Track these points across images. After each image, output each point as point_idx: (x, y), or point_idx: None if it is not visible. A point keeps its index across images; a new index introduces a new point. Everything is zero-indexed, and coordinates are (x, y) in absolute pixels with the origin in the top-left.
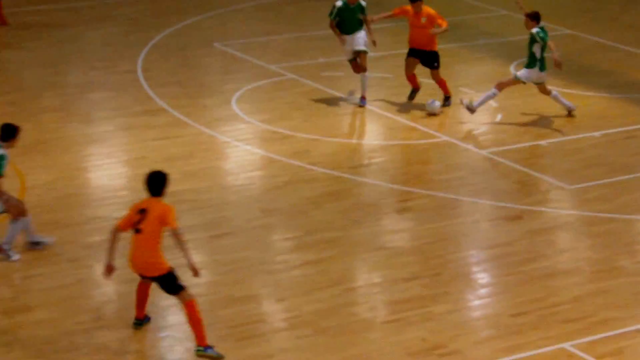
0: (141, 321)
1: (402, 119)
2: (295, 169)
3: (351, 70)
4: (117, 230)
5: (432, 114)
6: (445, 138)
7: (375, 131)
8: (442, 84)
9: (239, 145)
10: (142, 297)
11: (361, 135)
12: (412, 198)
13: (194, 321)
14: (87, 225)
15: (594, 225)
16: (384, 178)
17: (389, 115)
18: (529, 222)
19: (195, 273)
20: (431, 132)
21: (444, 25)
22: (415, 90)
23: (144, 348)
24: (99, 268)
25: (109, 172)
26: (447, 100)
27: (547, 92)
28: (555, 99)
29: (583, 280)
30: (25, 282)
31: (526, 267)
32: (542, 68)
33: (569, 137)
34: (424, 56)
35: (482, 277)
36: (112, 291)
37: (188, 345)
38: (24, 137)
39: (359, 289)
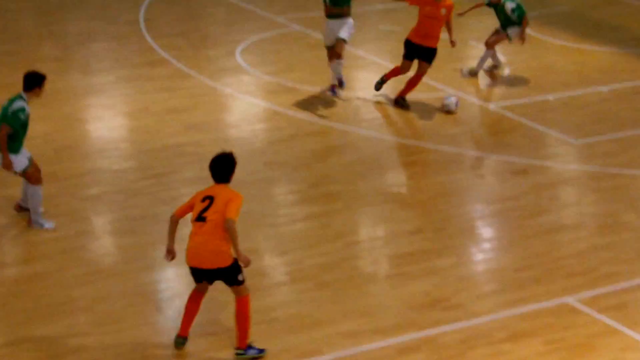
0: (185, 339)
1: (409, 73)
2: (300, 122)
3: (360, 19)
4: (175, 217)
5: (449, 112)
6: (451, 92)
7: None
8: (412, 83)
9: (243, 97)
10: (193, 309)
11: (367, 89)
12: (417, 152)
13: (244, 318)
14: (86, 178)
15: (600, 180)
16: (389, 132)
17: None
18: (534, 176)
19: (247, 263)
20: (437, 85)
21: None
22: (384, 81)
23: (144, 300)
24: (97, 220)
25: (109, 124)
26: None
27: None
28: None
29: (588, 235)
30: (22, 235)
31: (531, 221)
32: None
33: (576, 92)
34: (424, 52)
35: (486, 231)
36: (110, 244)
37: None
38: (21, 88)
39: (362, 243)
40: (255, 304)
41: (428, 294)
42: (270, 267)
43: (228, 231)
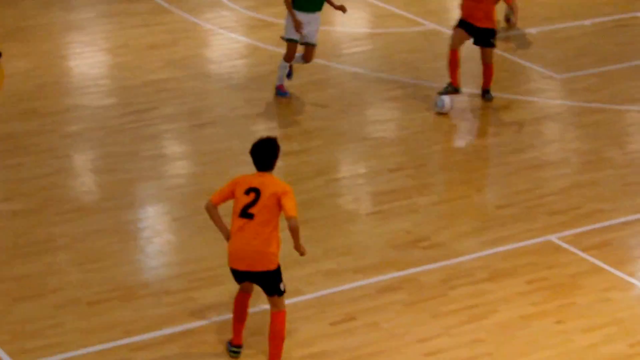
0: (240, 347)
1: (389, 6)
2: (279, 57)
3: None
4: (212, 205)
5: (441, 113)
6: (432, 26)
7: (362, 19)
8: (488, 72)
9: (223, 32)
10: (241, 314)
11: (347, 23)
12: (398, 87)
13: (279, 337)
14: (67, 114)
15: (583, 115)
16: (369, 67)
17: (376, 2)
18: (516, 112)
19: (303, 252)
20: (418, 19)
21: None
22: (452, 88)
23: (125, 238)
24: (78, 158)
25: (89, 60)
26: (486, 94)
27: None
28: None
29: (570, 172)
30: (2, 172)
31: (513, 157)
32: None
33: (559, 25)
34: (478, 34)
35: (468, 168)
36: (91, 181)
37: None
38: (3, 24)
39: (343, 180)
40: None
41: (409, 232)
42: None
43: (292, 231)
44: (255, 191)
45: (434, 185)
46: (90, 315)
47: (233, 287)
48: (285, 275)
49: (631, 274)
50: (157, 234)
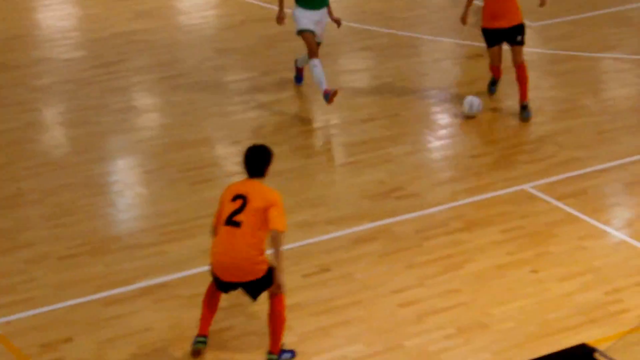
0: (205, 338)
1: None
2: (250, 7)
3: None
4: (215, 229)
5: (470, 117)
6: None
7: None
8: (522, 74)
9: None
10: (213, 305)
11: None
12: (371, 37)
13: (279, 320)
14: (36, 67)
15: (558, 63)
16: (341, 16)
17: None
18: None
19: (278, 289)
20: None
21: None
22: (496, 80)
23: (96, 192)
24: (47, 111)
25: (58, 13)
26: (524, 111)
27: None
28: None
29: (545, 120)
30: None
31: (488, 106)
32: None
33: None
34: (507, 34)
35: (442, 117)
36: (61, 135)
37: None
38: None
39: (317, 131)
40: (208, 195)
41: (383, 182)
42: (221, 158)
43: (274, 244)
44: (242, 198)
45: (407, 135)
46: (61, 269)
47: (206, 240)
48: None
49: (606, 222)
50: (128, 187)
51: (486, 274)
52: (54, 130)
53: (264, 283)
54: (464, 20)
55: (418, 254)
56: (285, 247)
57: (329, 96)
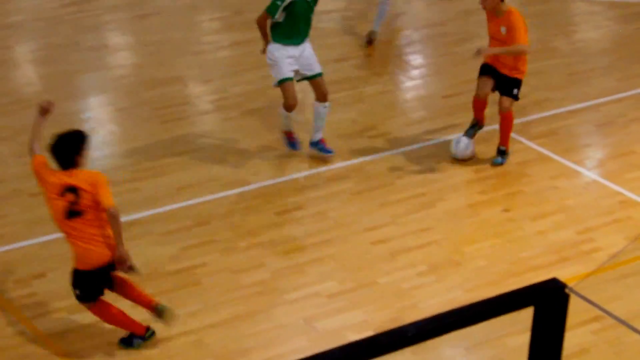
0: (149, 331)
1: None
2: None
3: None
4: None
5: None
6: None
7: None
8: (505, 123)
9: None
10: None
11: None
12: None
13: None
14: (7, 6)
15: (529, 4)
16: None
17: None
18: (462, 1)
19: (124, 265)
20: None
21: (520, 42)
22: (477, 124)
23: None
24: (18, 50)
25: None
26: (500, 155)
27: None
28: None
29: None
30: None
31: (459, 47)
32: None
33: None
34: (501, 81)
35: (415, 58)
36: (32, 73)
37: None
38: None
39: None
40: (180, 132)
41: (355, 121)
42: (194, 96)
43: (112, 221)
44: (72, 190)
45: (380, 75)
46: (33, 206)
47: (178, 178)
48: (229, 167)
49: (578, 162)
50: (100, 124)
51: (458, 212)
52: (24, 69)
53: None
54: None
55: (391, 193)
56: (257, 184)
57: (289, 140)
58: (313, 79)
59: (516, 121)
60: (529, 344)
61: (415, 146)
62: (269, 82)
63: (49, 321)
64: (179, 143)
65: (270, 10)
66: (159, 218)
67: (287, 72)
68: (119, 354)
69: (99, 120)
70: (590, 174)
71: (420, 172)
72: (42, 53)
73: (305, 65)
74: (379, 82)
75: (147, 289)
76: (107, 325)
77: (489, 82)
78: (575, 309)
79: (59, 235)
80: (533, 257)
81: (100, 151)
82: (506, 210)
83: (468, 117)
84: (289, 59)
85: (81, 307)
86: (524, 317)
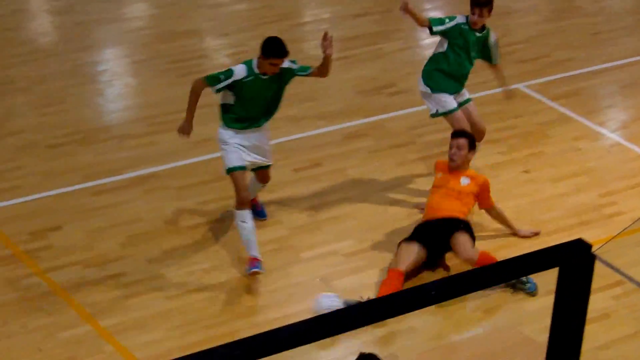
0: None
1: None
2: None
3: None
4: None
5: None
6: None
7: None
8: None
9: None
10: None
11: None
12: None
13: None
14: None
15: None
16: None
17: None
18: None
19: None
20: None
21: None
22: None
23: (85, 81)
24: None
25: None
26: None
27: None
28: None
29: (539, 20)
30: None
31: None
32: None
33: None
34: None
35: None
36: (48, 23)
37: None
38: None
39: (307, 25)
40: None
41: (375, 78)
42: (211, 49)
43: None
44: None
45: (400, 31)
46: (50, 158)
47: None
48: None
49: (600, 124)
50: (117, 77)
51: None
52: (41, 18)
53: None
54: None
55: (410, 151)
56: (275, 140)
57: (253, 268)
58: (260, 169)
59: (537, 80)
60: (553, 306)
61: None
62: (288, 36)
63: (64, 274)
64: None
65: (209, 79)
66: (176, 172)
67: (237, 159)
68: (134, 307)
69: (115, 73)
70: (613, 136)
71: (440, 130)
72: (59, 3)
73: (259, 156)
74: (399, 38)
75: (163, 243)
76: (123, 280)
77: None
78: (596, 274)
79: (75, 187)
80: (554, 220)
81: (117, 103)
82: (526, 172)
83: (489, 75)
84: (242, 146)
85: (97, 260)
86: (541, 282)
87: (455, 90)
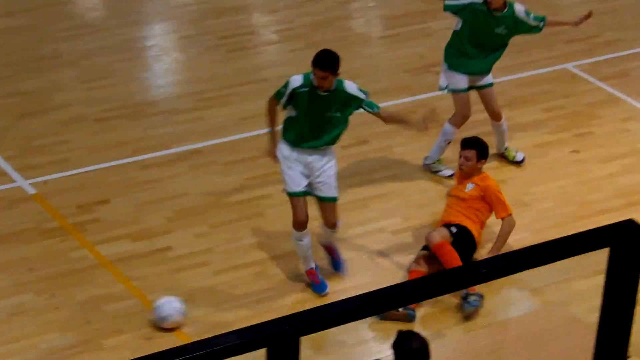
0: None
1: None
2: None
3: None
4: None
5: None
6: None
7: None
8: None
9: None
10: None
11: None
12: None
13: None
14: None
15: None
16: None
17: None
18: None
19: None
20: None
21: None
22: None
23: (132, 56)
24: None
25: None
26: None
27: None
28: None
29: None
30: None
31: None
32: None
33: None
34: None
35: None
36: None
37: None
38: None
39: (354, 2)
40: (245, 62)
41: (423, 56)
42: (259, 26)
43: None
44: None
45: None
46: (97, 132)
47: (243, 108)
48: None
49: None
50: (164, 52)
51: (527, 153)
52: None
53: None
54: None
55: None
56: None
57: (314, 285)
58: (321, 202)
59: (587, 60)
60: (604, 286)
61: None
62: (336, 14)
63: (112, 247)
64: (242, 73)
65: (276, 95)
66: (223, 148)
67: (297, 182)
68: (182, 281)
69: (163, 48)
70: None
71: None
72: None
73: (316, 183)
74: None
75: (210, 218)
76: (170, 254)
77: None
78: None
79: (122, 161)
80: (601, 201)
81: (164, 78)
82: (575, 152)
83: (538, 55)
84: (298, 166)
85: (144, 234)
86: (589, 262)
87: (469, 71)
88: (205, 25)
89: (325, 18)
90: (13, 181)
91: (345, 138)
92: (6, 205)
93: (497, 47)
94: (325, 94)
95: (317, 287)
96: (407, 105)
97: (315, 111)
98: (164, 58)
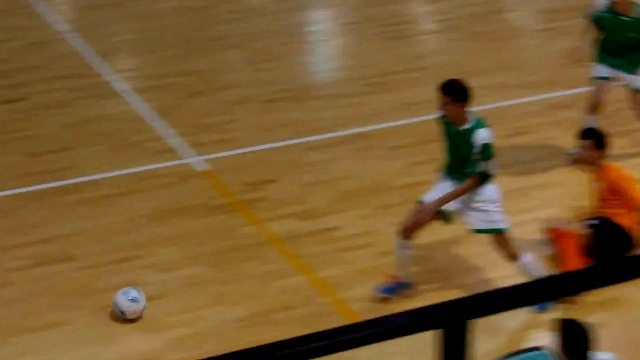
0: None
1: None
2: None
3: None
4: None
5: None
6: None
7: None
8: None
9: None
10: None
11: None
12: None
13: None
14: None
15: None
16: None
17: None
18: None
19: None
20: None
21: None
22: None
23: (296, 40)
24: None
25: None
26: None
27: None
28: None
29: None
30: None
31: None
32: None
33: None
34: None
35: None
36: None
37: None
38: None
39: None
40: (406, 50)
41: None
42: (420, 15)
43: None
44: None
45: None
46: (264, 112)
47: (404, 94)
48: None
49: None
50: (329, 37)
51: None
52: None
53: None
54: None
55: (613, 124)
56: (481, 107)
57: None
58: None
59: None
60: None
61: None
62: (495, 6)
63: (279, 225)
64: (404, 61)
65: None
66: (385, 133)
67: (428, 193)
68: (348, 261)
69: (326, 33)
70: None
71: None
72: None
73: (463, 210)
74: None
75: (374, 201)
76: (336, 234)
77: None
78: None
79: (288, 142)
80: None
81: (327, 63)
82: None
83: None
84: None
85: (310, 214)
86: None
87: (607, 63)
88: (366, 13)
89: (485, 10)
90: (183, 157)
91: (504, 128)
92: (176, 180)
93: (627, 46)
94: (460, 129)
95: (389, 291)
96: (564, 97)
97: (450, 139)
98: (327, 43)
